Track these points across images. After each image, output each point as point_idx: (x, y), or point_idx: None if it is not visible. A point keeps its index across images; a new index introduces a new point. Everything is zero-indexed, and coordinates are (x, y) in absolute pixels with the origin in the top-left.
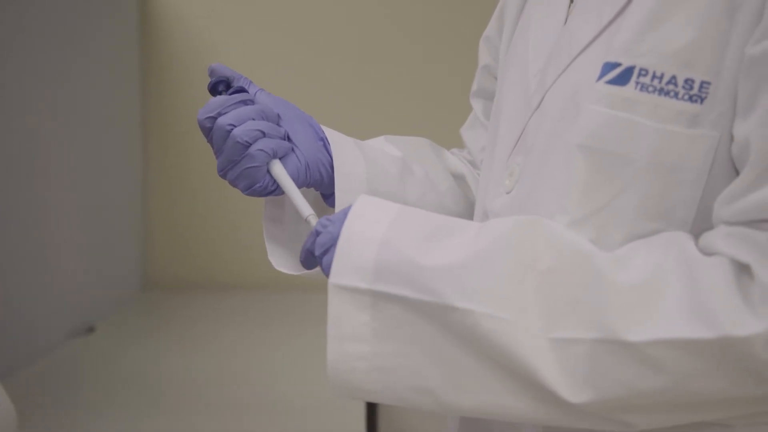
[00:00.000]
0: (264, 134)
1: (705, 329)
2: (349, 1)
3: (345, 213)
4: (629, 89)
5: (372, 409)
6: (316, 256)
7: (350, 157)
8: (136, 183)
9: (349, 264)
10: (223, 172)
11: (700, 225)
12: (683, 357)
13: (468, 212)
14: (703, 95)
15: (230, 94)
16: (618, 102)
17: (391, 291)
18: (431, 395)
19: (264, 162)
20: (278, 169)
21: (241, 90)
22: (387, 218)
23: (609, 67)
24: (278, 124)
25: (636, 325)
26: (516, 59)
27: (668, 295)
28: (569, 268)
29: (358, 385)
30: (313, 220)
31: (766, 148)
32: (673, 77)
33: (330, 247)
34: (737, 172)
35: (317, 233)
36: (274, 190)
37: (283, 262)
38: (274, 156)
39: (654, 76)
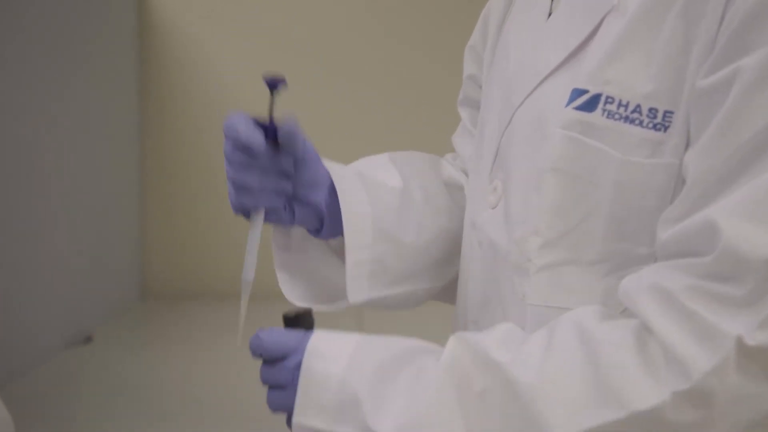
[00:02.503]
0: (249, 189)
1: (614, 410)
2: (349, 5)
3: (300, 342)
4: (596, 116)
5: None
6: (270, 388)
7: (357, 203)
8: (134, 193)
9: (311, 404)
10: None
11: None
12: None
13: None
14: (667, 124)
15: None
16: (586, 128)
17: None
18: None
19: (239, 211)
20: (255, 221)
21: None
22: (345, 354)
23: (577, 93)
24: (289, 171)
25: (557, 423)
26: (498, 73)
27: (577, 384)
28: (495, 384)
29: None
30: (245, 288)
31: (697, 179)
32: (638, 106)
33: (287, 383)
34: None
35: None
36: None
37: (292, 291)
38: (253, 210)
39: (620, 104)
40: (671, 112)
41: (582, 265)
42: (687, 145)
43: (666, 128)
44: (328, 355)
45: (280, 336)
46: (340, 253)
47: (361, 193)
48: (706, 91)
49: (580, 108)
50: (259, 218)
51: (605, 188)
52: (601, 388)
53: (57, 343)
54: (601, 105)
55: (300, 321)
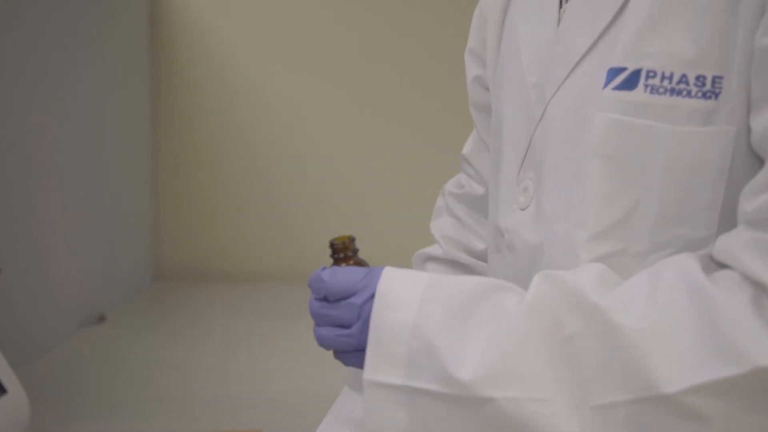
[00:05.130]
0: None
1: (735, 365)
2: (361, 3)
3: (366, 281)
4: (638, 93)
5: None
6: (339, 353)
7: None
8: (147, 179)
9: (382, 359)
10: None
11: (725, 227)
12: (721, 399)
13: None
14: (717, 90)
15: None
16: (628, 107)
17: (425, 387)
18: None
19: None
20: None
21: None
22: (415, 300)
23: (614, 72)
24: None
25: (666, 375)
26: (510, 71)
27: (688, 335)
28: (590, 329)
29: None
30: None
31: None
32: (684, 76)
33: (352, 320)
34: (761, 165)
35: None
36: None
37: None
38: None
39: (663, 77)
40: (721, 77)
41: (634, 255)
42: (748, 110)
43: (717, 95)
44: (397, 303)
45: (344, 276)
46: None
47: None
48: None
49: (619, 87)
50: None
51: (657, 169)
52: (717, 341)
53: (72, 323)
54: (642, 81)
55: (347, 247)
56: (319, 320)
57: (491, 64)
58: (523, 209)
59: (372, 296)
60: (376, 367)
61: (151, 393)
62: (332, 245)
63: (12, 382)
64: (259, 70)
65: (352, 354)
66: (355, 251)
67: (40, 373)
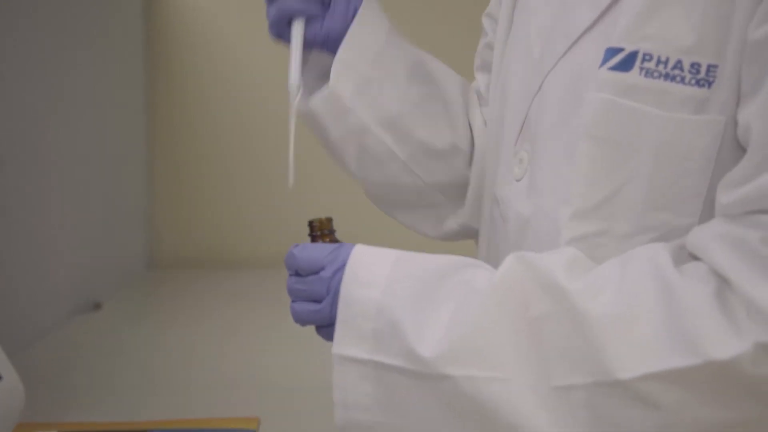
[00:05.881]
0: None
1: (689, 356)
2: None
3: (334, 255)
4: (633, 75)
5: None
6: (321, 327)
7: (365, 39)
8: (142, 165)
9: (349, 334)
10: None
11: (708, 214)
12: (674, 388)
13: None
14: (711, 79)
15: None
16: (622, 89)
17: (389, 362)
18: None
19: (281, 19)
20: (296, 29)
21: None
22: (382, 277)
23: (611, 52)
24: None
25: (623, 362)
26: (519, 40)
27: (649, 325)
28: (557, 312)
29: None
30: (293, 90)
31: (761, 140)
32: (679, 61)
33: (322, 294)
34: None
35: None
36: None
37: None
38: (292, 16)
39: (659, 61)
40: (715, 66)
41: (617, 237)
42: (738, 101)
43: (710, 84)
44: (365, 279)
45: (313, 250)
46: None
47: (369, 41)
48: (761, 41)
49: (615, 68)
50: (298, 26)
51: (646, 152)
52: (676, 332)
53: (67, 310)
54: (638, 63)
55: (324, 226)
56: (293, 295)
57: (502, 30)
58: (518, 180)
59: (340, 269)
60: (343, 341)
61: (147, 380)
62: (310, 224)
63: (7, 369)
64: (255, 63)
65: (327, 329)
66: (332, 231)
67: (35, 360)
